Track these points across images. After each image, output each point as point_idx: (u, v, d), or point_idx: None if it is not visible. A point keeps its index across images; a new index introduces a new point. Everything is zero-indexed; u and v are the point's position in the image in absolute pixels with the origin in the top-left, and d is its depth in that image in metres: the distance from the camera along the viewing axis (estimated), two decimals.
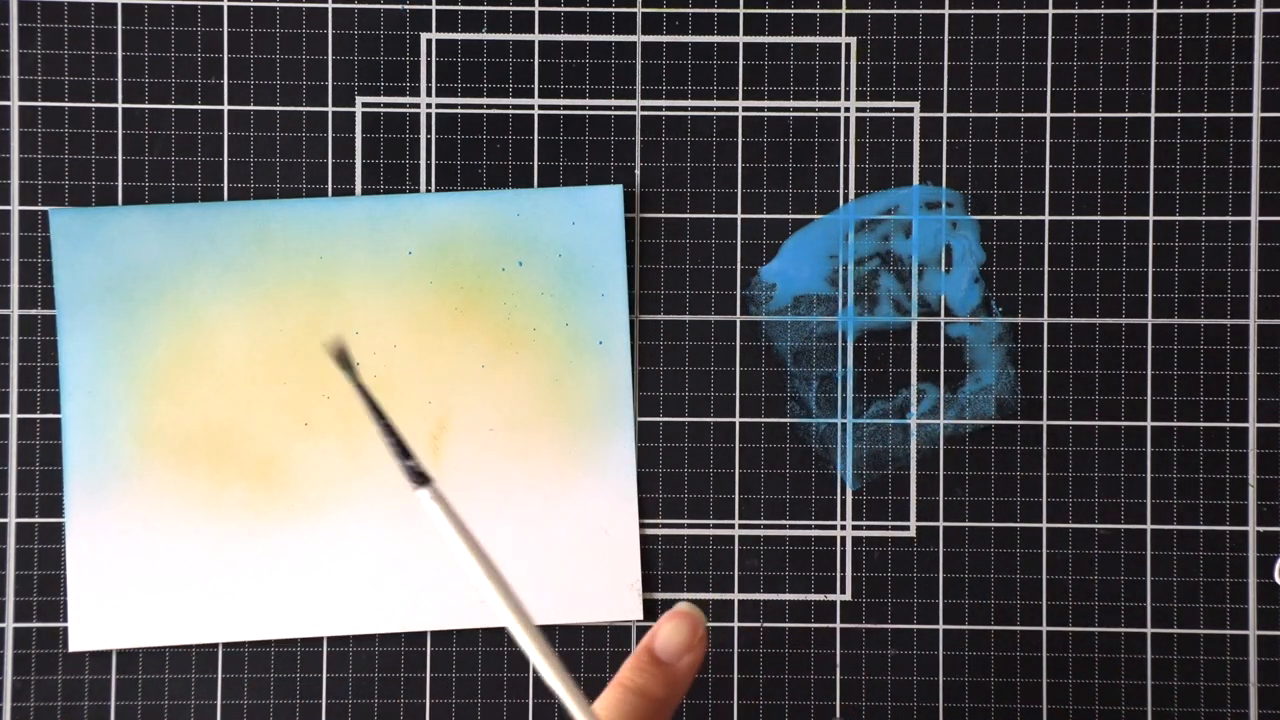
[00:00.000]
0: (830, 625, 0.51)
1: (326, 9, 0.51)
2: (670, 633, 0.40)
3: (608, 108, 0.51)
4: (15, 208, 0.51)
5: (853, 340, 0.51)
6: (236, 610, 0.50)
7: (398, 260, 0.51)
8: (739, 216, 0.51)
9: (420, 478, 0.37)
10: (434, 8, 0.51)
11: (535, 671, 0.51)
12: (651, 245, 0.51)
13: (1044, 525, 0.51)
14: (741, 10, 0.51)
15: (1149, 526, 0.51)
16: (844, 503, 0.51)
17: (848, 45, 0.51)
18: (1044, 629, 0.51)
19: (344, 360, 0.38)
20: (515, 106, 0.51)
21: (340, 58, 0.51)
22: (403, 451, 0.37)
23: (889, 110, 0.51)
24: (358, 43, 0.51)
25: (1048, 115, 0.51)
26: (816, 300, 0.51)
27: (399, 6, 0.51)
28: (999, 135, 0.51)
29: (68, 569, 0.50)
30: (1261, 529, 0.51)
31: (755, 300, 0.51)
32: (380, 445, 0.51)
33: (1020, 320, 0.51)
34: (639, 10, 0.51)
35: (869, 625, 0.51)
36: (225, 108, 0.51)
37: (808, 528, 0.51)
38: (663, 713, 0.40)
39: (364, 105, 0.51)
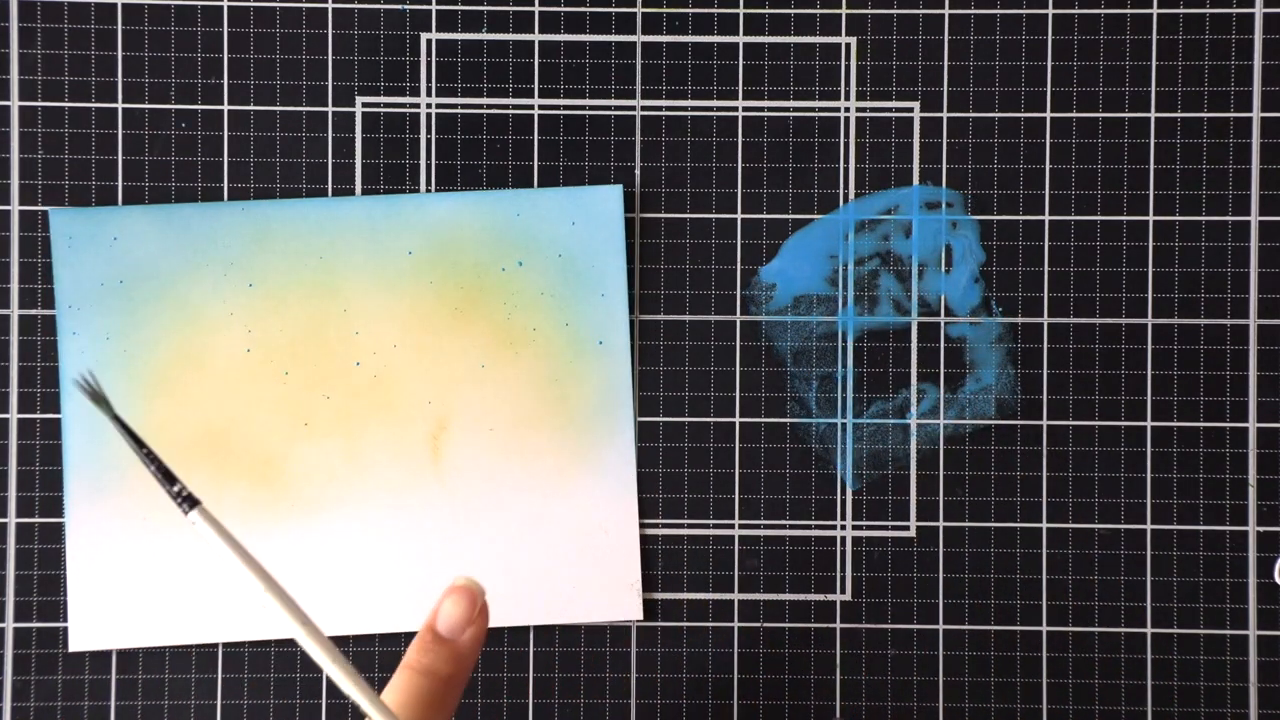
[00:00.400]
0: (830, 625, 0.51)
1: (326, 9, 0.51)
2: (449, 609, 0.40)
3: (608, 108, 0.51)
4: (15, 208, 0.51)
5: (853, 340, 0.51)
6: (236, 610, 0.50)
7: (398, 260, 0.51)
8: (739, 216, 0.51)
9: (190, 501, 0.37)
10: (434, 8, 0.51)
11: (535, 672, 0.51)
12: (651, 245, 0.51)
13: (1044, 525, 0.51)
14: (741, 10, 0.51)
15: (1149, 526, 0.51)
16: (844, 503, 0.51)
17: (848, 45, 0.51)
18: (1044, 629, 0.51)
19: (97, 396, 0.38)
20: (515, 106, 0.51)
21: (340, 58, 0.51)
22: (168, 478, 0.38)
23: (889, 110, 0.51)
24: (358, 43, 0.51)
25: (1048, 115, 0.51)
26: (816, 300, 0.51)
27: (399, 6, 0.51)
28: (999, 135, 0.51)
29: (68, 569, 0.50)
30: (1261, 529, 0.51)
31: (755, 300, 0.51)
32: (380, 445, 0.51)
33: (1020, 320, 0.51)
34: (639, 10, 0.51)
35: (869, 625, 0.51)
36: (225, 108, 0.51)
37: (808, 528, 0.51)
38: (452, 689, 0.40)
39: (364, 105, 0.51)
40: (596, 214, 0.51)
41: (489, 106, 0.51)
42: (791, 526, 0.51)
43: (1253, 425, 0.51)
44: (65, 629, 0.51)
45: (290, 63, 0.51)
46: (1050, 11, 0.51)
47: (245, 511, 0.50)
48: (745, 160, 0.51)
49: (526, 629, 0.51)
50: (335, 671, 0.37)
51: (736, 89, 0.51)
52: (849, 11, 0.51)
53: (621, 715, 0.51)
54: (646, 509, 0.51)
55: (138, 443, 0.38)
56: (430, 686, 0.39)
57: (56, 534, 0.51)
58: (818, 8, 0.51)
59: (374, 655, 0.51)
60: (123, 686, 0.51)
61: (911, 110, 0.51)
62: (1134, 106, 0.51)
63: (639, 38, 0.51)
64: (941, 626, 0.51)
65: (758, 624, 0.51)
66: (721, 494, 0.51)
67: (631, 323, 0.51)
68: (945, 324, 0.51)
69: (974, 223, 0.51)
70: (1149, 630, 0.51)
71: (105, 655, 0.51)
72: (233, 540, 0.37)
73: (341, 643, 0.51)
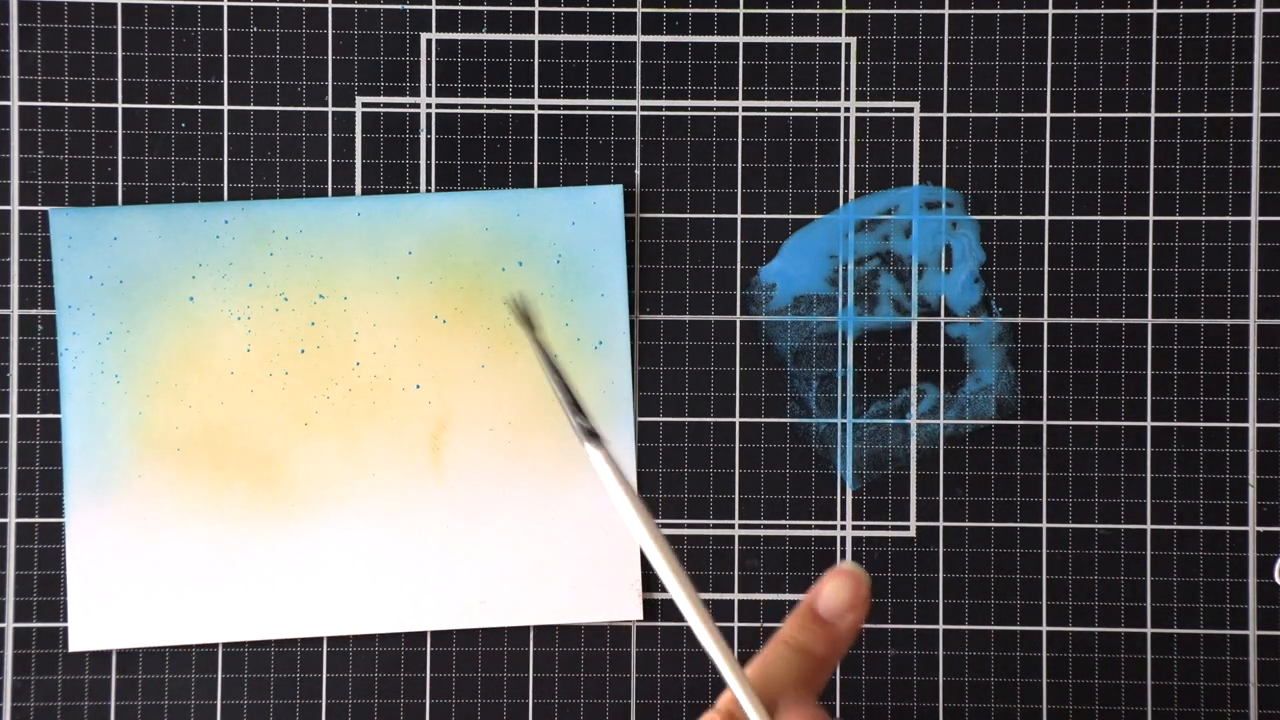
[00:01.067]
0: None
1: (326, 9, 0.51)
2: (834, 591, 0.39)
3: (608, 108, 0.51)
4: (15, 208, 0.51)
5: (853, 340, 0.51)
6: (236, 610, 0.50)
7: (398, 260, 0.51)
8: (739, 216, 0.51)
9: (591, 435, 0.37)
10: (434, 8, 0.51)
11: (535, 672, 0.51)
12: (651, 245, 0.51)
13: (1044, 525, 0.51)
14: (741, 10, 0.51)
15: (1149, 526, 0.51)
16: (844, 503, 0.51)
17: (848, 45, 0.51)
18: (1044, 629, 0.51)
19: (526, 318, 0.39)
20: (515, 106, 0.51)
21: (340, 58, 0.51)
22: (575, 408, 0.38)
23: (889, 110, 0.51)
24: (358, 43, 0.51)
25: (1048, 115, 0.51)
26: (816, 300, 0.51)
27: (399, 6, 0.51)
28: (999, 135, 0.51)
29: (68, 569, 0.50)
30: (1261, 529, 0.51)
31: (755, 300, 0.51)
32: (380, 445, 0.51)
33: (1020, 320, 0.51)
34: (639, 10, 0.51)
35: (869, 625, 0.51)
36: (225, 108, 0.51)
37: (808, 528, 0.51)
38: (822, 672, 0.39)
39: (364, 105, 0.51)
40: (596, 214, 0.51)
41: (489, 106, 0.51)
42: (791, 526, 0.51)
43: (1253, 425, 0.51)
44: (65, 629, 0.51)
45: (290, 63, 0.51)
46: (1050, 11, 0.51)
47: (245, 511, 0.50)
48: (745, 160, 0.51)
49: (526, 629, 0.51)
50: (703, 634, 0.36)
51: (736, 89, 0.51)
52: (849, 11, 0.51)
53: (621, 715, 0.51)
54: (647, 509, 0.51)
55: (555, 371, 0.38)
56: (802, 663, 0.38)
57: (56, 534, 0.51)
58: (818, 8, 0.51)
59: (374, 655, 0.51)
60: (123, 686, 0.51)
61: (911, 110, 0.51)
62: (1134, 106, 0.51)
63: (639, 38, 0.51)
64: (941, 626, 0.51)
65: (757, 624, 0.51)
66: (721, 494, 0.51)
67: (631, 323, 0.51)
68: (945, 324, 0.51)
69: (974, 223, 0.51)
70: (1149, 630, 0.51)
71: (105, 655, 0.51)
72: (628, 484, 0.37)
73: (341, 642, 0.51)
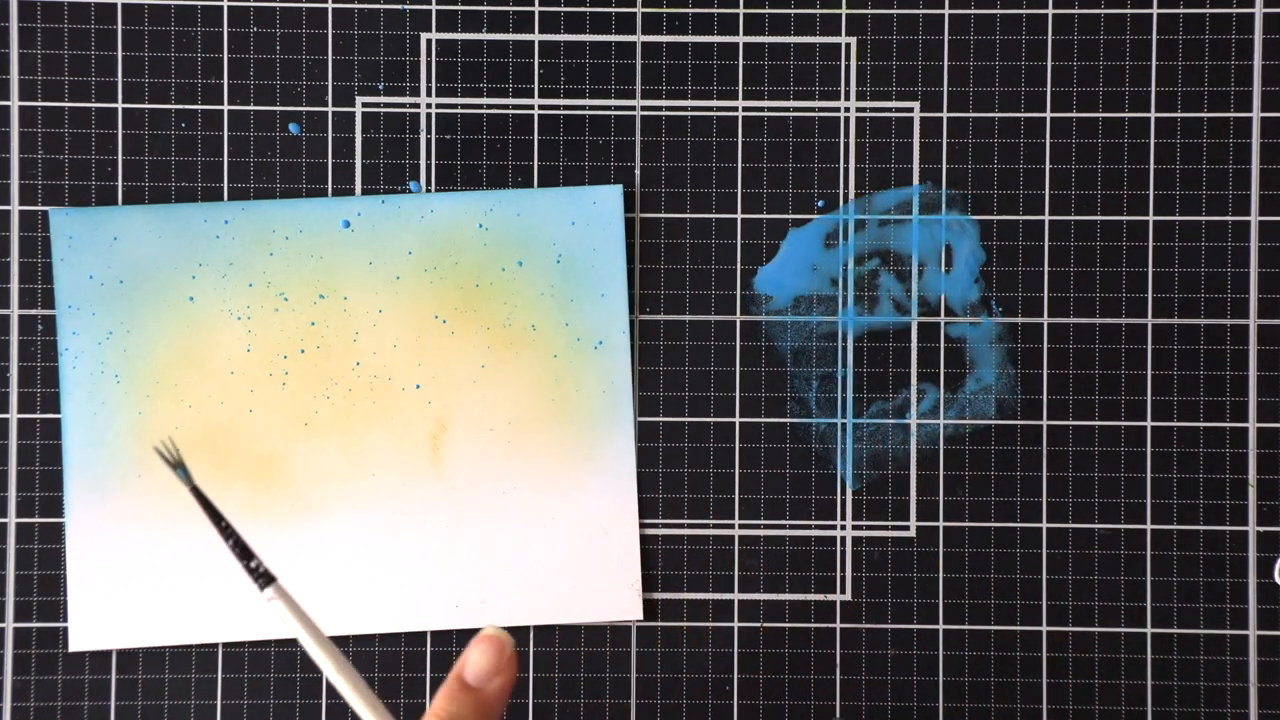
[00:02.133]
0: (830, 625, 0.51)
1: (326, 9, 0.51)
2: (477, 658, 0.41)
3: (608, 108, 0.51)
4: (15, 208, 0.51)
5: (853, 340, 0.51)
6: (236, 610, 0.50)
7: (398, 260, 0.51)
8: (739, 216, 0.51)
9: (265, 578, 0.40)
10: (434, 8, 0.51)
11: (535, 672, 0.51)
12: (651, 245, 0.51)
13: (1044, 525, 0.51)
14: (741, 10, 0.51)
15: (1149, 526, 0.51)
16: (844, 503, 0.51)
17: (848, 45, 0.51)
18: (1044, 629, 0.51)
19: (175, 464, 0.41)
20: (515, 106, 0.51)
21: (340, 58, 0.51)
22: (244, 553, 0.40)
23: (889, 110, 0.51)
24: (358, 43, 0.51)
25: (1048, 115, 0.51)
26: (816, 300, 0.51)
27: (399, 6, 0.51)
28: (999, 135, 0.51)
29: (68, 569, 0.50)
30: (1261, 529, 0.51)
31: (755, 300, 0.51)
32: (380, 445, 0.51)
33: (1020, 320, 0.51)
34: (639, 10, 0.51)
35: (869, 625, 0.51)
36: (225, 108, 0.51)
37: (808, 528, 0.51)
38: None
39: (364, 105, 0.51)
40: (596, 214, 0.51)
41: (489, 106, 0.51)
42: (791, 526, 0.51)
43: (1253, 425, 0.51)
44: (65, 629, 0.51)
45: (290, 63, 0.51)
46: (1050, 11, 0.51)
47: (245, 511, 0.50)
48: (745, 160, 0.51)
49: (526, 629, 0.51)
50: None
51: (736, 89, 0.51)
52: (849, 11, 0.51)
53: (621, 715, 0.51)
54: (646, 509, 0.51)
55: (216, 516, 0.41)
56: None
57: (56, 534, 0.51)
58: (818, 8, 0.51)
59: (374, 655, 0.51)
60: (123, 686, 0.51)
61: (911, 110, 0.51)
62: (1134, 106, 0.51)
63: (639, 38, 0.51)
64: (941, 626, 0.51)
65: (758, 624, 0.51)
66: (721, 494, 0.51)
67: (631, 323, 0.51)
68: (945, 324, 0.51)
69: (974, 223, 0.51)
70: (1149, 630, 0.51)
71: (105, 655, 0.51)
72: (306, 620, 0.40)
73: (341, 643, 0.51)
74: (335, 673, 0.39)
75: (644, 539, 0.51)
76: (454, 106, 0.51)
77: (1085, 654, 0.51)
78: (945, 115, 0.51)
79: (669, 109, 0.51)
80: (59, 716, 0.51)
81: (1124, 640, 0.51)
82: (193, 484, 0.40)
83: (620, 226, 0.51)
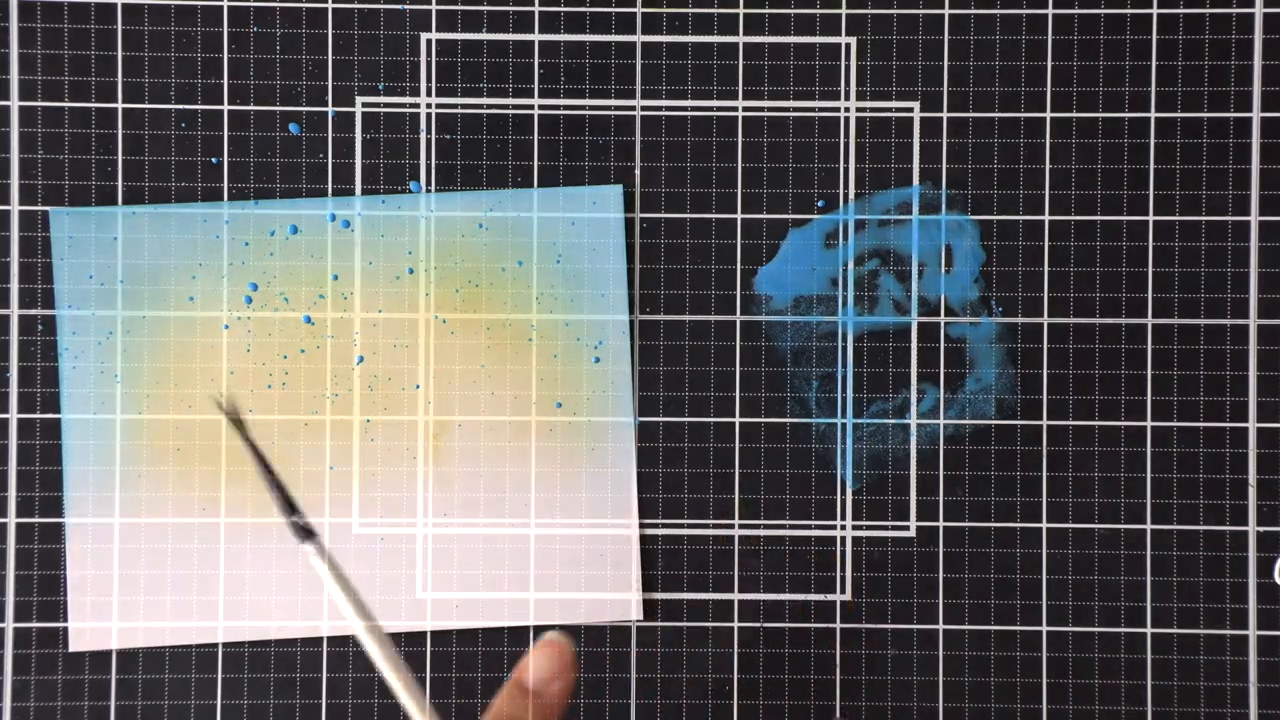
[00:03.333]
0: (830, 625, 0.51)
1: (326, 9, 0.51)
2: (538, 662, 0.41)
3: (608, 108, 0.51)
4: (15, 208, 0.51)
5: (853, 340, 0.51)
6: (236, 610, 0.50)
7: (398, 260, 0.51)
8: (739, 216, 0.51)
9: (305, 532, 0.41)
10: (434, 8, 0.51)
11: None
12: (651, 245, 0.51)
13: (1044, 525, 0.51)
14: (741, 10, 0.51)
15: (1149, 526, 0.51)
16: (844, 503, 0.51)
17: (848, 45, 0.51)
18: (1044, 629, 0.51)
19: (236, 420, 0.41)
20: (515, 106, 0.51)
21: (340, 58, 0.51)
22: (290, 508, 0.41)
23: (889, 110, 0.51)
24: (358, 43, 0.51)
25: (1048, 115, 0.51)
26: (816, 300, 0.51)
27: (399, 6, 0.51)
28: (999, 135, 0.51)
29: (68, 569, 0.50)
30: (1261, 529, 0.51)
31: (755, 300, 0.51)
32: (380, 445, 0.51)
33: (1020, 320, 0.51)
34: (639, 10, 0.51)
35: (869, 625, 0.51)
36: (225, 108, 0.51)
37: (808, 528, 0.51)
38: None
39: (364, 105, 0.51)
40: (596, 214, 0.51)
41: (489, 106, 0.51)
42: (791, 526, 0.51)
43: (1253, 425, 0.51)
44: (65, 629, 0.51)
45: (290, 63, 0.51)
46: (1050, 11, 0.51)
47: (245, 511, 0.50)
48: (745, 160, 0.51)
49: (526, 629, 0.51)
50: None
51: (736, 89, 0.51)
52: (849, 11, 0.51)
53: (621, 715, 0.51)
54: (646, 509, 0.51)
55: (268, 470, 0.41)
56: None
57: (56, 534, 0.51)
58: (818, 8, 0.51)
59: None
60: (123, 686, 0.51)
61: (911, 110, 0.51)
62: (1134, 106, 0.51)
63: (639, 38, 0.51)
64: (941, 626, 0.51)
65: (758, 624, 0.51)
66: (721, 494, 0.51)
67: (631, 323, 0.51)
68: (945, 324, 0.51)
69: (974, 223, 0.51)
70: (1149, 630, 0.51)
71: (105, 655, 0.51)
72: (340, 576, 0.40)
73: (341, 642, 0.51)
74: (364, 633, 0.40)
75: (644, 539, 0.51)
76: (454, 106, 0.51)
77: (1085, 654, 0.51)
78: (945, 115, 0.51)
79: (669, 109, 0.51)
80: (59, 716, 0.51)
81: (1124, 640, 0.51)
82: (246, 435, 0.41)
83: (620, 226, 0.51)
